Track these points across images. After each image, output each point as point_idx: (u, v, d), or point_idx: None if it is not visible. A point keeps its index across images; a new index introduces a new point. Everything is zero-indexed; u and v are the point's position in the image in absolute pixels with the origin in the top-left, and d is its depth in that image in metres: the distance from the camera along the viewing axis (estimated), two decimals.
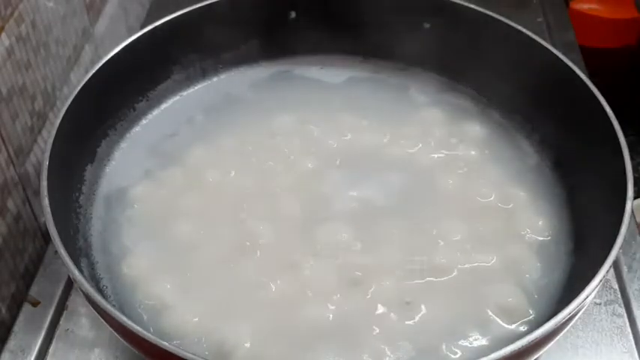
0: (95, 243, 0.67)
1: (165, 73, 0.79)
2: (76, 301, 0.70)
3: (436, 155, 0.74)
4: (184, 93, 0.81)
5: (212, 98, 0.80)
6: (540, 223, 0.67)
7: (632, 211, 0.58)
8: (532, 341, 0.50)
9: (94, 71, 0.69)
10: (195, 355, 0.48)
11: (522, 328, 0.60)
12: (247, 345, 0.58)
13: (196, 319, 0.60)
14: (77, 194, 0.68)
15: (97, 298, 0.52)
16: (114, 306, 0.53)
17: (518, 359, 0.51)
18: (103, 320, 0.55)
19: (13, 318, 0.68)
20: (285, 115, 0.78)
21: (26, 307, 0.69)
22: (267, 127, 0.77)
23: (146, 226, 0.68)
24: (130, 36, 0.73)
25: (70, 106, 0.65)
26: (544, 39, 0.73)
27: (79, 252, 0.64)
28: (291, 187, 0.70)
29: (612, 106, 0.64)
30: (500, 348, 0.50)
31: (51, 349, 0.66)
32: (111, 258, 0.66)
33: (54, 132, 0.63)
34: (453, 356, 0.58)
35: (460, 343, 0.59)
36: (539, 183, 0.71)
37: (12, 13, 0.68)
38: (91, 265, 0.65)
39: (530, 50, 0.73)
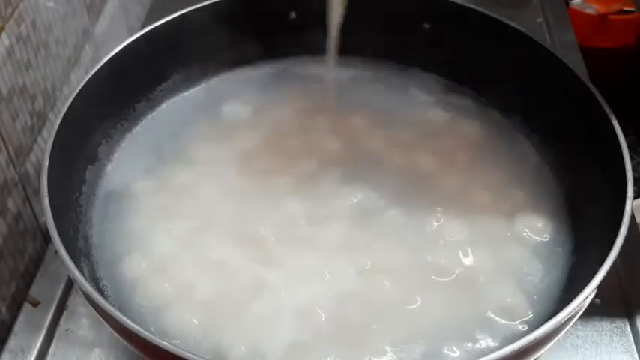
0: (95, 243, 0.67)
1: (165, 73, 0.79)
2: (76, 301, 0.70)
3: (436, 155, 0.74)
4: (184, 93, 0.81)
5: (212, 98, 0.80)
6: (540, 223, 0.67)
7: (632, 211, 0.58)
8: (532, 341, 0.50)
9: (94, 71, 0.69)
10: (195, 354, 0.48)
11: (522, 328, 0.60)
12: (246, 345, 0.58)
13: (196, 319, 0.60)
14: (77, 194, 0.68)
15: (97, 298, 0.52)
16: (114, 306, 0.53)
17: (518, 359, 0.51)
18: (103, 320, 0.55)
19: (13, 318, 0.68)
20: (285, 116, 0.78)
21: (26, 307, 0.69)
22: (267, 127, 0.77)
23: (146, 225, 0.68)
24: (130, 36, 0.73)
25: (70, 106, 0.65)
26: (544, 39, 0.73)
27: (79, 252, 0.64)
28: (292, 188, 0.70)
29: (612, 106, 0.64)
30: (501, 348, 0.50)
31: (51, 349, 0.66)
32: (111, 258, 0.66)
33: (54, 132, 0.63)
34: (452, 355, 0.58)
35: (460, 343, 0.59)
36: (539, 183, 0.71)
37: (12, 13, 0.68)
38: (91, 265, 0.65)
39: (530, 50, 0.73)
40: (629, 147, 0.61)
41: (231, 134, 0.76)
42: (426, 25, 0.80)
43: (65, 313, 0.69)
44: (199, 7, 0.77)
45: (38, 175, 0.64)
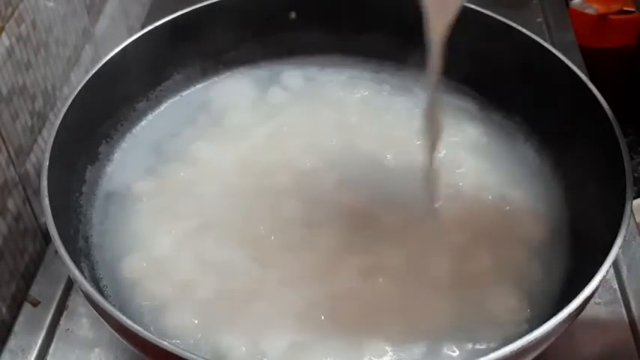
0: (95, 243, 0.67)
1: (165, 73, 0.79)
2: (76, 301, 0.70)
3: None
4: (184, 93, 0.81)
5: (212, 98, 0.80)
6: (540, 223, 0.67)
7: (632, 211, 0.58)
8: (532, 341, 0.50)
9: (94, 71, 0.69)
10: (195, 355, 0.48)
11: (522, 328, 0.60)
12: (247, 345, 0.58)
13: (196, 319, 0.60)
14: (77, 194, 0.68)
15: (97, 298, 0.52)
16: (114, 306, 0.53)
17: (518, 359, 0.51)
18: (103, 320, 0.55)
19: (13, 318, 0.68)
20: (285, 116, 0.78)
21: (26, 307, 0.69)
22: (267, 127, 0.77)
23: (146, 226, 0.68)
24: (130, 36, 0.73)
25: (70, 106, 0.65)
26: (544, 39, 0.73)
27: (79, 252, 0.64)
28: (292, 188, 0.70)
29: (612, 106, 0.64)
30: (500, 348, 0.50)
31: (51, 349, 0.66)
32: (111, 258, 0.66)
33: (54, 132, 0.63)
34: (452, 355, 0.58)
35: (460, 343, 0.59)
36: (539, 183, 0.71)
37: (12, 13, 0.68)
38: (91, 265, 0.65)
39: (530, 50, 0.73)
40: (629, 147, 0.61)
41: (231, 134, 0.76)
42: None
43: (65, 313, 0.69)
44: (199, 7, 0.77)
45: (38, 175, 0.64)
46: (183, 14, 0.76)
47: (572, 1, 1.57)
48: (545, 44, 0.72)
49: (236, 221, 0.67)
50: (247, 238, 0.66)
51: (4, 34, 0.67)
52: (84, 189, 0.69)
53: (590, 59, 0.95)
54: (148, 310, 0.62)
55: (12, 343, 0.66)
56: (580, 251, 0.64)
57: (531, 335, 0.50)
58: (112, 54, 0.71)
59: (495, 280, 0.63)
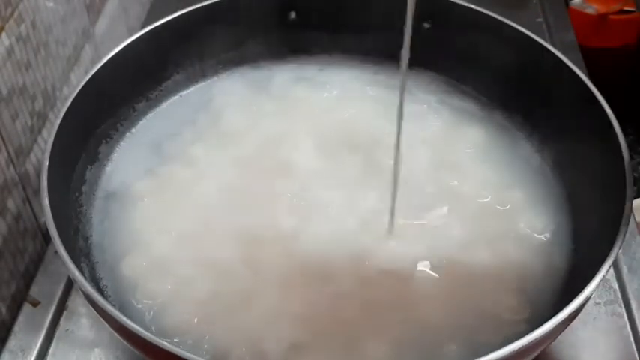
0: (95, 243, 0.67)
1: (165, 73, 0.79)
2: (76, 301, 0.70)
3: (436, 156, 0.74)
4: (184, 93, 0.81)
5: (212, 98, 0.80)
6: (540, 223, 0.67)
7: (632, 211, 0.58)
8: (532, 341, 0.50)
9: (94, 71, 0.69)
10: (195, 355, 0.48)
11: (522, 328, 0.60)
12: (246, 345, 0.58)
13: (196, 319, 0.60)
14: (77, 194, 0.68)
15: (97, 298, 0.52)
16: (114, 306, 0.53)
17: (518, 359, 0.51)
18: (103, 320, 0.55)
19: (13, 318, 0.68)
20: (285, 116, 0.78)
21: (26, 307, 0.69)
22: (267, 127, 0.77)
23: (146, 225, 0.68)
24: (130, 36, 0.73)
25: (70, 106, 0.65)
26: (544, 39, 0.73)
27: (79, 252, 0.64)
28: (292, 187, 0.70)
29: (612, 106, 0.64)
30: (500, 348, 0.50)
31: (51, 349, 0.66)
32: (111, 258, 0.66)
33: (54, 132, 0.63)
34: (452, 354, 0.58)
35: (460, 342, 0.59)
36: (539, 183, 0.71)
37: (12, 13, 0.68)
38: (91, 265, 0.65)
39: (530, 50, 0.73)
40: (629, 147, 0.61)
41: (231, 134, 0.76)
42: (426, 25, 0.79)
43: (65, 313, 0.69)
44: (199, 7, 0.77)
45: (38, 175, 0.64)
46: (183, 14, 0.76)
47: (572, 1, 1.57)
48: (545, 44, 0.72)
49: (235, 221, 0.67)
50: (247, 238, 0.66)
51: (4, 34, 0.67)
52: (84, 189, 0.69)
53: (590, 59, 0.95)
54: (147, 309, 0.62)
55: (12, 343, 0.66)
56: (580, 251, 0.64)
57: (531, 335, 0.50)
58: (112, 54, 0.71)
59: (495, 279, 0.63)
